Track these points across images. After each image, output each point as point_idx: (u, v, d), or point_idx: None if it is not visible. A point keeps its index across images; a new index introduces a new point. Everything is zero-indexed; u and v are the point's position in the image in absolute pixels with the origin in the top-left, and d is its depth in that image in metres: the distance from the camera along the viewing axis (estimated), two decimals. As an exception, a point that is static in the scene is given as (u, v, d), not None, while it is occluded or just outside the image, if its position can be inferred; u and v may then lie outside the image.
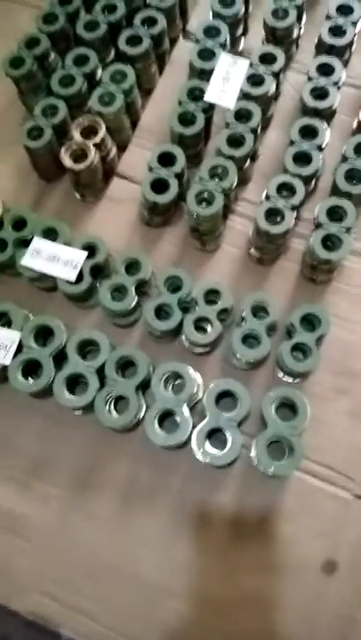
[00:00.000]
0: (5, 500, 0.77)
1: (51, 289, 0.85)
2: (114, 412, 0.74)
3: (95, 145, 0.82)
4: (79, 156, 0.83)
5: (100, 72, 0.89)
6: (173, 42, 0.98)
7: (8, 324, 0.79)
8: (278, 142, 0.91)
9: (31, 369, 0.77)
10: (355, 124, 0.88)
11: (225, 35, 0.86)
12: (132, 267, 0.80)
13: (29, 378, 0.76)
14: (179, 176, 0.80)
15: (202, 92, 0.83)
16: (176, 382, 0.77)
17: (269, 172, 0.89)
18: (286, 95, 0.93)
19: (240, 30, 0.92)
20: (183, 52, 0.97)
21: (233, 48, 0.92)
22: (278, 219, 0.76)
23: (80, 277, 0.78)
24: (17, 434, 0.80)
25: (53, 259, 0.79)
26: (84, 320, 0.85)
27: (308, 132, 0.80)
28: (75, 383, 0.77)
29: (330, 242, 0.76)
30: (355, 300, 0.83)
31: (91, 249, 0.80)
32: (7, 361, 0.75)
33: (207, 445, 0.70)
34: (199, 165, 0.89)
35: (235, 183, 0.79)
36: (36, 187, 0.93)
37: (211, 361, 0.81)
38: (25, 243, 0.82)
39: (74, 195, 0.91)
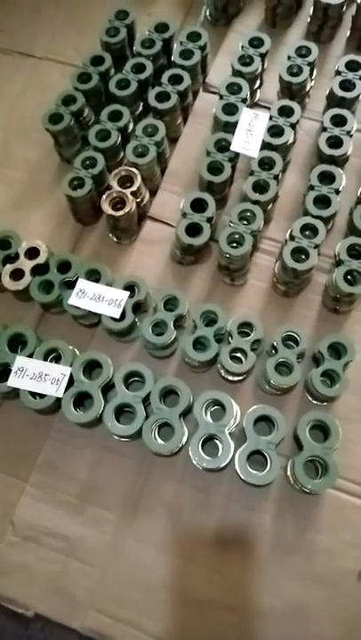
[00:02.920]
0: (60, 524, 0.82)
1: (93, 325, 0.92)
2: (159, 439, 0.80)
3: (132, 193, 0.90)
4: (117, 202, 0.91)
5: (131, 125, 0.98)
6: (195, 94, 1.07)
7: (56, 359, 0.86)
8: (295, 184, 0.99)
9: (79, 400, 0.84)
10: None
11: (246, 91, 0.95)
12: (169, 303, 0.87)
13: (77, 409, 0.83)
14: (209, 220, 0.88)
15: (227, 142, 0.91)
16: (213, 409, 0.84)
17: (288, 212, 0.98)
18: (300, 140, 1.02)
19: (257, 84, 1.01)
20: (204, 104, 1.06)
21: (251, 99, 1.01)
22: (303, 257, 0.84)
23: (123, 314, 0.86)
24: (67, 461, 0.86)
25: (98, 298, 0.86)
26: (124, 353, 0.91)
27: (326, 177, 0.88)
28: (119, 412, 0.84)
29: (351, 276, 0.84)
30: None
31: (131, 288, 0.88)
32: (60, 393, 0.82)
33: (248, 467, 0.77)
34: (224, 207, 0.98)
35: (261, 225, 0.87)
36: (73, 230, 1.01)
37: (243, 387, 0.88)
38: (69, 284, 0.89)
39: (109, 237, 0.99)
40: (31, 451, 0.87)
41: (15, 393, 0.84)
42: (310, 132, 1.02)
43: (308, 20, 1.09)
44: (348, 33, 1.10)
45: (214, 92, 1.07)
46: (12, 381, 0.83)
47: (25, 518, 0.83)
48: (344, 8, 1.04)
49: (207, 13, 1.16)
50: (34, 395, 0.83)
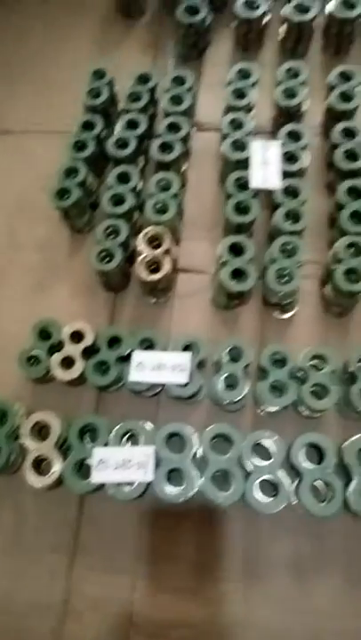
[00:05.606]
0: (184, 610, 0.77)
1: (155, 394, 0.88)
2: (263, 497, 0.77)
3: (165, 252, 0.87)
4: (150, 264, 0.88)
5: (140, 183, 0.95)
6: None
7: (130, 438, 0.82)
8: (313, 201, 0.98)
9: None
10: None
11: (249, 124, 0.93)
12: (231, 352, 0.84)
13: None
14: (251, 261, 0.86)
15: (244, 179, 0.89)
16: (305, 450, 0.81)
17: (316, 231, 0.96)
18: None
19: (252, 113, 1.00)
20: (201, 143, 1.05)
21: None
22: (354, 277, 0.83)
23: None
24: (170, 542, 0.81)
25: (159, 367, 0.82)
26: (193, 415, 0.88)
27: (352, 192, 0.87)
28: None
29: None
30: None
31: (188, 347, 0.85)
32: (149, 477, 0.77)
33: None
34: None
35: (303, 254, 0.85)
36: (105, 301, 0.96)
37: (325, 420, 0.86)
38: (122, 359, 0.85)
39: (144, 299, 0.95)
40: (128, 541, 0.82)
41: (97, 487, 0.79)
42: (312, 147, 1.01)
43: (282, 37, 1.08)
44: (322, 42, 1.10)
45: (207, 128, 1.06)
46: (96, 477, 0.78)
47: (145, 615, 0.78)
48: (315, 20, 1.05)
49: (176, 51, 1.15)
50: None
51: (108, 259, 0.88)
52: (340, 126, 0.91)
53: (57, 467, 0.79)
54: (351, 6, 1.02)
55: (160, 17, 1.23)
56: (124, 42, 1.22)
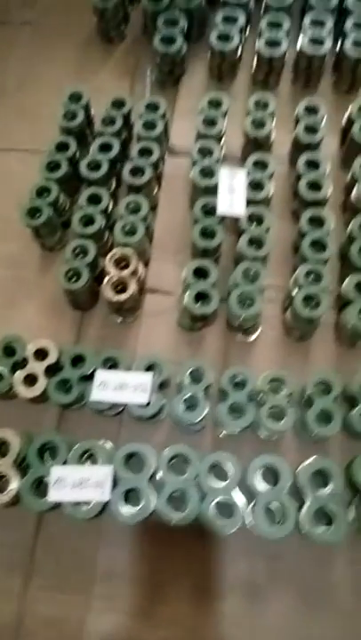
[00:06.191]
0: (137, 632, 0.78)
1: (117, 413, 0.89)
2: (218, 518, 0.77)
3: (132, 273, 0.89)
4: (117, 285, 0.89)
5: (110, 204, 0.97)
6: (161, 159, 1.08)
7: (89, 457, 0.82)
8: (280, 228, 1.00)
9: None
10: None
11: (217, 152, 0.96)
12: (193, 374, 0.85)
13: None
14: (214, 285, 0.88)
15: (211, 205, 0.92)
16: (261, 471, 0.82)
17: (281, 257, 0.99)
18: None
19: (222, 141, 1.03)
20: (173, 167, 1.07)
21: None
22: (314, 302, 0.85)
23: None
24: (127, 562, 0.81)
25: (121, 387, 0.83)
26: (156, 434, 0.88)
27: (314, 221, 0.90)
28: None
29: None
30: None
31: (151, 367, 0.86)
32: (106, 496, 0.77)
33: (316, 526, 0.75)
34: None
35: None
36: (72, 319, 0.98)
37: (283, 442, 0.87)
38: (85, 377, 0.86)
39: (111, 318, 0.97)
40: (84, 560, 0.82)
41: (54, 505, 0.79)
42: (277, 177, 1.03)
43: (254, 69, 1.13)
44: (293, 75, 1.15)
45: (179, 153, 1.09)
46: (53, 495, 0.78)
47: (98, 635, 0.77)
48: (286, 55, 1.09)
49: (153, 78, 1.18)
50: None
51: (75, 278, 0.90)
52: (304, 157, 0.94)
53: (14, 484, 0.79)
54: (320, 43, 1.07)
55: (140, 43, 1.27)
56: (103, 66, 1.26)
